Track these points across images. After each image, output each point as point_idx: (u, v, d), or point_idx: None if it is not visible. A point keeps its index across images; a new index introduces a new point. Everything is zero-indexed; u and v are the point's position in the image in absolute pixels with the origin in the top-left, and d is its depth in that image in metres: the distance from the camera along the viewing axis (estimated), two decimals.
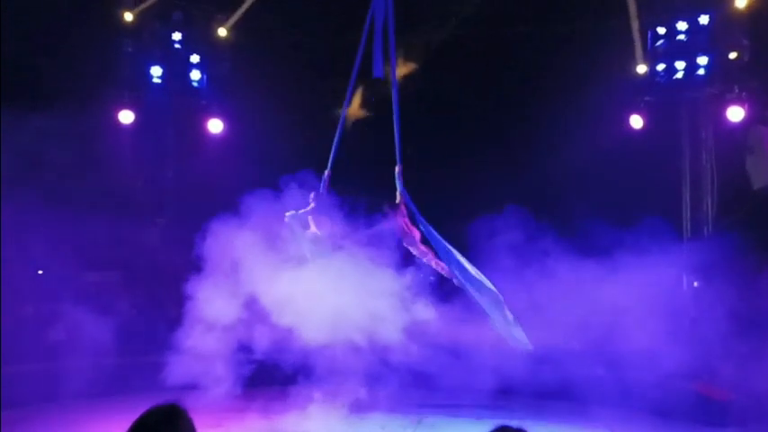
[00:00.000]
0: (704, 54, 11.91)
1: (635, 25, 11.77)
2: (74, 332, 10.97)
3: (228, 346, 9.93)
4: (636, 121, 12.29)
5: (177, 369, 9.69)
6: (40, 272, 12.19)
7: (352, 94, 8.78)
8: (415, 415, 10.42)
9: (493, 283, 8.09)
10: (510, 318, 7.94)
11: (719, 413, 9.54)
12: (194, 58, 12.90)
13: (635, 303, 9.74)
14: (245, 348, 10.02)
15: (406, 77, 9.54)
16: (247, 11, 12.51)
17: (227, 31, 12.81)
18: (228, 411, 9.88)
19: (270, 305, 9.09)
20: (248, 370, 10.36)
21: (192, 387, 9.47)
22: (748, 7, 11.26)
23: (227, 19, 12.80)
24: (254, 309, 9.34)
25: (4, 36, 10.70)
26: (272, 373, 10.62)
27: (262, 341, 9.60)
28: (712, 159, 12.52)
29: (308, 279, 8.88)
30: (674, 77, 12.21)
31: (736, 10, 11.41)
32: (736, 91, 11.66)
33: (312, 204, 8.79)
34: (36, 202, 10.44)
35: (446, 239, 8.27)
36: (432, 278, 10.56)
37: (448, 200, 11.91)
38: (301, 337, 9.10)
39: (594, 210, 10.26)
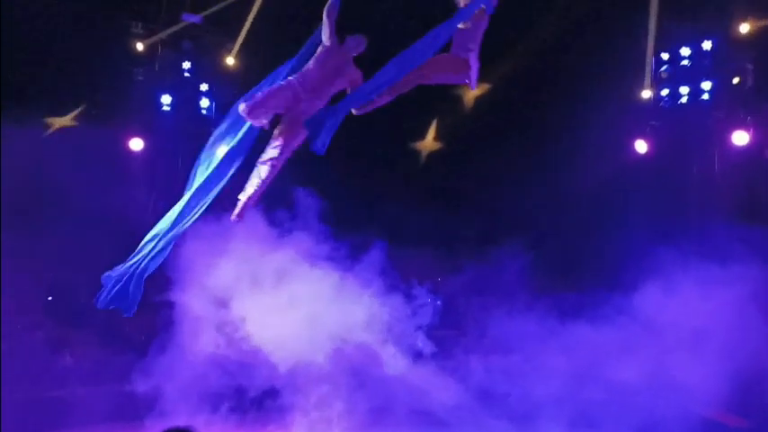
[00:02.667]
0: (708, 79, 12.01)
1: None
2: (82, 358, 11.03)
3: (226, 369, 9.87)
4: (640, 146, 12.35)
5: (174, 393, 9.66)
6: (50, 298, 12.27)
7: None
8: None
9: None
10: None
11: None
12: (203, 87, 13.10)
13: (647, 328, 9.67)
14: (240, 371, 9.92)
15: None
16: (254, 39, 12.77)
17: (235, 59, 13.03)
18: None
19: (265, 327, 9.06)
20: (244, 392, 10.25)
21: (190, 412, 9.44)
22: (751, 33, 11.38)
23: (237, 48, 13.06)
24: (248, 330, 9.26)
25: (15, 63, 10.91)
26: (267, 396, 10.48)
27: (258, 363, 9.53)
28: (719, 183, 12.53)
29: (302, 300, 8.89)
30: (679, 102, 12.30)
31: (739, 35, 11.52)
32: (741, 115, 11.74)
33: None
34: (45, 226, 10.55)
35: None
36: (439, 302, 10.57)
37: (448, 224, 11.96)
38: (298, 359, 9.07)
39: (600, 236, 10.26)
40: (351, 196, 10.94)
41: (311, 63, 6.07)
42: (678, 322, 9.47)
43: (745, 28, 11.43)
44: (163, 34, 12.61)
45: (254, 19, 12.52)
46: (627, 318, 9.56)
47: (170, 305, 9.64)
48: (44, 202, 11.09)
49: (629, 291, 9.68)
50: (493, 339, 10.13)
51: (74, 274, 10.79)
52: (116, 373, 10.75)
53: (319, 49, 6.07)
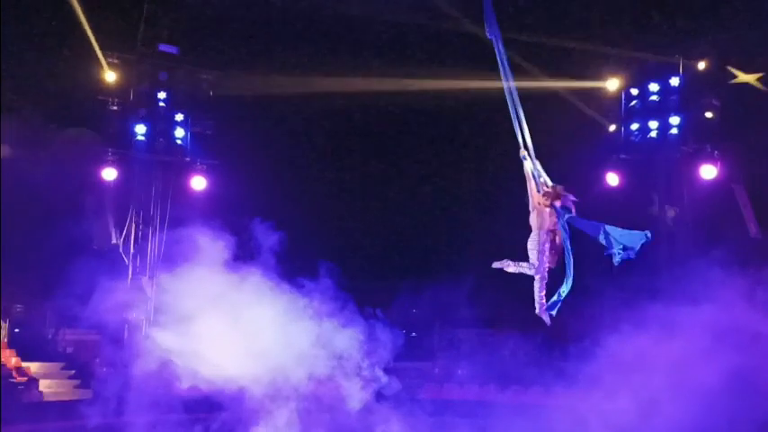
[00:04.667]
0: (676, 114, 12.29)
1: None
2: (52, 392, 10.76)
3: (185, 401, 9.66)
4: (612, 179, 12.56)
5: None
6: (17, 330, 12.03)
7: None
8: None
9: None
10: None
11: None
12: (179, 117, 13.09)
13: (619, 367, 9.66)
14: (201, 402, 9.68)
15: None
16: (230, 70, 12.91)
17: (212, 90, 13.13)
18: None
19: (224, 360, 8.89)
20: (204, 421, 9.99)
21: None
22: (705, 72, 11.74)
23: (212, 79, 13.15)
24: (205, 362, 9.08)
25: None
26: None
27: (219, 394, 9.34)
28: (688, 215, 12.73)
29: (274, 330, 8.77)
30: (649, 136, 12.55)
31: (701, 73, 11.90)
32: (709, 150, 12.00)
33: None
34: (12, 257, 10.37)
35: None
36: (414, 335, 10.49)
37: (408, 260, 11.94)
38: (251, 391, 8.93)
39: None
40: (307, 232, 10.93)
41: None
42: (649, 362, 9.49)
43: (701, 65, 11.81)
44: (138, 65, 12.66)
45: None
46: (599, 356, 9.54)
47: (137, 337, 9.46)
48: (12, 232, 10.91)
49: (602, 327, 9.70)
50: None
51: (41, 306, 10.60)
52: (83, 405, 10.53)
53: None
